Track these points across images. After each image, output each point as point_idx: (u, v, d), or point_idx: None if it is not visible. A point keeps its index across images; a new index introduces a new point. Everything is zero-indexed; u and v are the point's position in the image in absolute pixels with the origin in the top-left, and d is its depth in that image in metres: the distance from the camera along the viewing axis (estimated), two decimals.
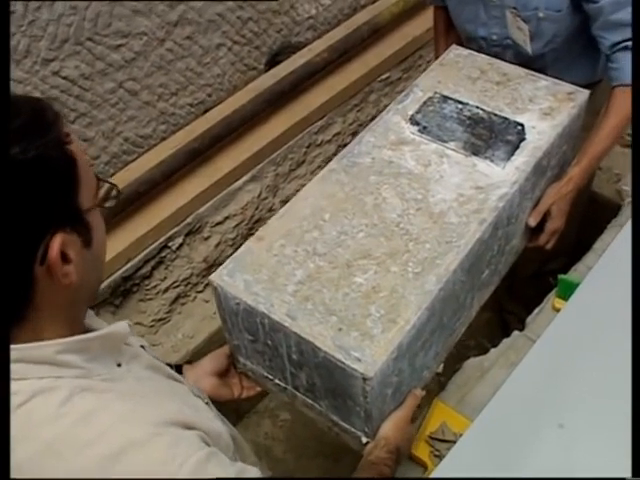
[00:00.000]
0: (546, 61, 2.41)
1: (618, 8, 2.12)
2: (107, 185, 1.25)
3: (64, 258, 1.10)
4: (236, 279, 1.73)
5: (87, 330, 1.25)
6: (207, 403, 1.51)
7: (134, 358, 1.32)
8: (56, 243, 1.07)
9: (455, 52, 2.34)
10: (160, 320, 2.99)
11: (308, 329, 1.62)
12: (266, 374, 1.86)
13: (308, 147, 3.32)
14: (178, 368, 1.74)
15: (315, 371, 1.67)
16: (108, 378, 1.19)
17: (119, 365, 1.25)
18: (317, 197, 1.90)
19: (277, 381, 1.85)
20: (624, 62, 2.18)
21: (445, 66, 2.29)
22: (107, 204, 1.24)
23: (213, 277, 1.75)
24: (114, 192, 1.27)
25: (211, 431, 1.27)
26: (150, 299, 2.95)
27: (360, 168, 1.96)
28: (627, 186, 2.56)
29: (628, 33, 2.14)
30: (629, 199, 2.48)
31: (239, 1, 2.97)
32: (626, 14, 2.12)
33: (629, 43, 2.15)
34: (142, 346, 1.45)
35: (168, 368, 1.47)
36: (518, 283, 3.05)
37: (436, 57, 2.79)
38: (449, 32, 2.71)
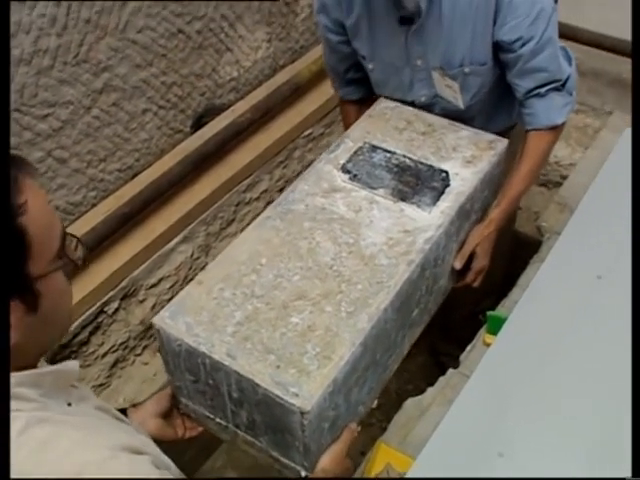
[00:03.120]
0: (473, 112, 2.55)
1: (534, 55, 2.28)
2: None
3: None
4: (178, 321, 1.84)
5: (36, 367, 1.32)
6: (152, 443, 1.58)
7: (82, 399, 1.40)
8: None
9: (383, 104, 2.52)
10: (100, 385, 3.03)
11: (248, 367, 1.74)
12: (207, 414, 1.97)
13: (237, 205, 3.45)
14: (122, 412, 1.79)
15: (255, 408, 1.79)
16: (63, 413, 1.28)
17: (69, 404, 1.33)
18: (254, 242, 2.04)
19: (218, 420, 1.96)
20: (537, 107, 2.37)
21: (373, 117, 2.46)
22: (74, 261, 1.31)
23: (155, 320, 1.86)
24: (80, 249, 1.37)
25: (160, 461, 1.37)
26: (89, 365, 3.00)
27: (294, 215, 2.11)
28: (545, 222, 2.75)
29: (540, 79, 2.33)
30: (548, 235, 2.67)
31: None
32: (540, 60, 2.29)
33: (541, 90, 2.34)
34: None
35: (114, 410, 1.55)
36: (452, 325, 3.17)
37: None
38: None
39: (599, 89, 3.68)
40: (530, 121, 2.42)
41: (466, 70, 2.41)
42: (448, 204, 2.15)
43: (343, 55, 2.66)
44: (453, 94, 2.49)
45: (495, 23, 2.29)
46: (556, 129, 2.42)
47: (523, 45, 2.28)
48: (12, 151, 2.37)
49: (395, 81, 2.57)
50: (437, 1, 2.28)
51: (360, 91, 2.79)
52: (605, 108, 3.66)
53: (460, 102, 2.50)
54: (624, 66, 3.54)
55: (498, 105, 2.61)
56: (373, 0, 2.36)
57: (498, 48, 2.35)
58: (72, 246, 1.33)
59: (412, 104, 2.59)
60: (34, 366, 1.31)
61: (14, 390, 1.21)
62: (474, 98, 2.51)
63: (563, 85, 2.36)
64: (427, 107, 2.58)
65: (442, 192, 2.17)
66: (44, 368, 1.32)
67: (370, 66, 2.58)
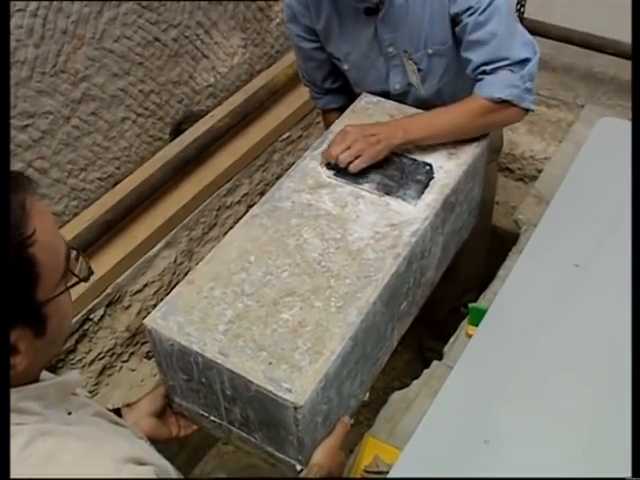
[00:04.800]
0: (443, 96, 2.53)
1: (480, 26, 2.23)
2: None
3: (14, 350, 1.17)
4: (169, 321, 1.85)
5: (39, 380, 1.32)
6: (150, 445, 1.60)
7: (82, 407, 1.40)
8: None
9: (365, 99, 2.53)
10: (88, 393, 2.96)
11: (240, 365, 1.74)
12: (201, 412, 1.97)
13: (218, 210, 3.44)
14: (117, 412, 1.81)
15: (249, 405, 1.79)
16: (64, 423, 1.28)
17: (69, 413, 1.33)
18: (242, 241, 2.05)
19: (212, 418, 1.96)
20: (482, 81, 2.28)
21: (356, 113, 2.47)
22: (80, 278, 1.32)
23: (147, 321, 1.86)
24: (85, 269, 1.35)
25: (160, 466, 1.36)
26: None
27: (281, 212, 2.12)
28: (522, 215, 2.75)
29: (487, 53, 2.25)
30: (525, 227, 2.68)
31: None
32: (486, 32, 2.23)
33: (488, 67, 2.26)
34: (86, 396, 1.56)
35: (112, 414, 1.56)
36: (437, 321, 3.18)
37: None
38: None
39: (571, 83, 3.70)
40: (476, 90, 2.32)
41: (429, 52, 2.41)
42: (433, 197, 2.15)
43: (319, 62, 2.68)
44: (416, 79, 2.49)
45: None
46: (491, 102, 2.29)
47: (471, 15, 2.25)
48: None
49: (373, 75, 2.57)
50: None
51: (340, 99, 2.80)
52: (577, 102, 3.68)
53: (421, 88, 2.51)
54: (594, 60, 3.57)
55: (467, 91, 2.52)
56: (339, 0, 2.38)
57: (454, 25, 2.34)
58: (74, 259, 1.32)
59: (388, 95, 2.59)
60: (37, 379, 1.31)
61: (19, 404, 1.20)
62: (441, 80, 2.50)
63: (517, 66, 2.27)
64: (401, 96, 2.59)
65: (427, 185, 2.18)
66: (48, 381, 1.32)
67: (346, 67, 2.59)
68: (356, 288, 1.91)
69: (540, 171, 3.31)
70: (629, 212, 2.11)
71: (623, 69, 3.43)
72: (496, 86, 2.27)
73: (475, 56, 2.29)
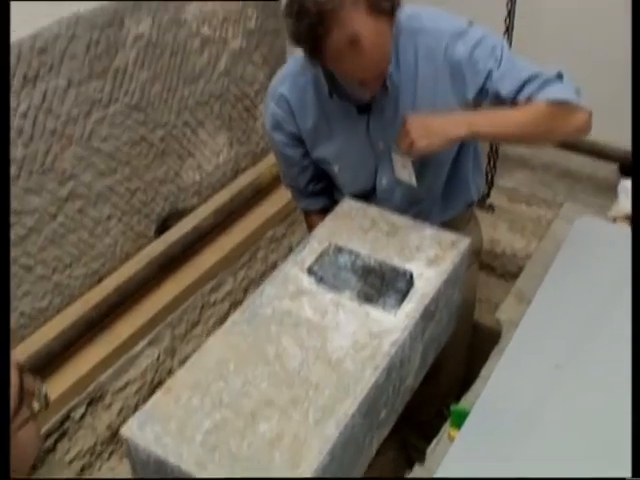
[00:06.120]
0: (435, 192, 2.52)
1: (507, 75, 2.17)
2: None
3: None
4: (146, 431, 1.79)
5: None
6: None
7: None
8: None
9: (348, 204, 2.49)
10: None
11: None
12: None
13: (202, 307, 3.41)
14: None
15: None
16: None
17: None
18: (221, 348, 2.00)
19: None
20: (534, 93, 2.17)
21: (339, 217, 2.44)
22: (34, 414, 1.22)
23: (124, 430, 1.81)
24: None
25: None
26: (55, 473, 2.89)
27: (261, 319, 2.08)
28: (504, 314, 2.68)
29: (531, 89, 2.15)
30: (507, 326, 2.60)
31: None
32: (517, 72, 2.16)
33: (536, 82, 2.16)
34: None
35: None
36: (422, 422, 3.09)
37: None
38: None
39: (550, 182, 3.72)
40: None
41: None
42: (413, 305, 2.11)
43: (302, 168, 2.64)
44: (408, 173, 2.41)
45: (465, 83, 2.22)
46: (552, 105, 2.16)
47: (489, 76, 2.18)
48: None
49: (363, 173, 2.53)
50: (393, 84, 2.26)
51: (322, 201, 2.77)
52: (557, 200, 3.68)
53: (413, 181, 2.41)
54: (572, 160, 3.61)
55: (455, 188, 2.56)
56: (327, 102, 2.36)
57: (476, 105, 2.26)
58: (31, 385, 1.23)
59: (374, 191, 2.56)
60: None
61: None
62: (433, 177, 2.47)
63: (559, 79, 2.19)
64: (387, 193, 2.55)
65: (406, 293, 2.14)
66: None
67: (336, 169, 2.54)
68: (335, 400, 1.86)
69: (521, 268, 3.30)
70: (608, 312, 2.06)
71: (598, 168, 3.45)
72: (553, 90, 2.16)
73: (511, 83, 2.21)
